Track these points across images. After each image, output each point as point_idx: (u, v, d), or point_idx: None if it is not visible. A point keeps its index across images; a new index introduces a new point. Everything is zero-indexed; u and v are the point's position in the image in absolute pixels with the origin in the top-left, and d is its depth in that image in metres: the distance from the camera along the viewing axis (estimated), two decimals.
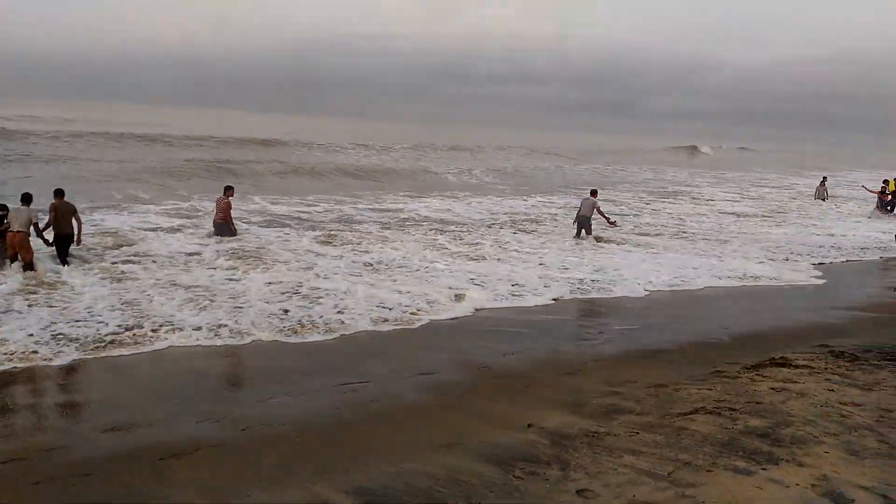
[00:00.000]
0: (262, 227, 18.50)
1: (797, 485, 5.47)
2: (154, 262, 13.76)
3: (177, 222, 18.37)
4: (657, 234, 21.54)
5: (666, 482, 5.50)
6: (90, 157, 34.41)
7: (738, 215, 27.96)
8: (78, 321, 9.80)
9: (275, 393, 7.73)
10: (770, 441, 6.26)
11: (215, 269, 13.46)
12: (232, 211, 17.02)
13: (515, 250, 17.35)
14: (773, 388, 7.70)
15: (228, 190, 17.08)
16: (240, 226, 17.51)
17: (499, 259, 16.12)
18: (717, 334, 10.70)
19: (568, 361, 9.23)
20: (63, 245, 13.20)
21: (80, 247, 13.57)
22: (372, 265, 14.63)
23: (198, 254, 14.65)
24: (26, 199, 12.76)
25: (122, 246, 14.97)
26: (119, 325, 9.74)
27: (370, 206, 24.30)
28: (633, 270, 15.41)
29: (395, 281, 13.28)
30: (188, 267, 13.48)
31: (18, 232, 12.32)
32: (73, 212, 13.40)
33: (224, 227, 16.61)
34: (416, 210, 24.07)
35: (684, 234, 21.96)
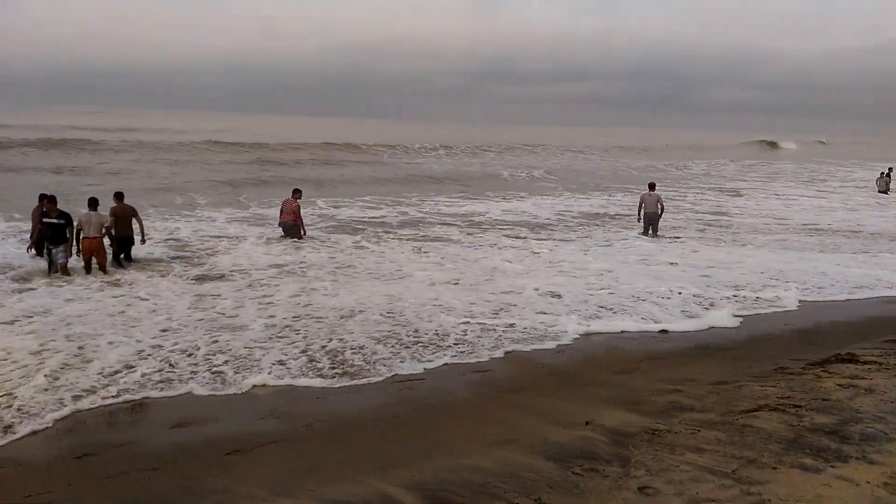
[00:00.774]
0: (335, 232, 18.46)
1: (868, 483, 5.28)
2: (243, 275, 13.21)
3: (249, 230, 18.24)
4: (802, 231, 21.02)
5: (730, 480, 5.38)
6: (145, 161, 35.55)
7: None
8: (166, 349, 8.92)
9: (333, 391, 7.84)
10: (838, 438, 6.07)
11: (309, 280, 12.87)
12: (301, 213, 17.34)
13: (642, 257, 16.32)
14: (839, 385, 7.46)
15: (297, 192, 17.39)
16: (317, 232, 17.92)
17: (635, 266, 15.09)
18: (778, 330, 10.43)
19: (623, 360, 9.12)
20: (124, 247, 13.66)
21: (144, 245, 14.03)
22: (486, 273, 13.90)
23: (285, 265, 14.11)
24: (93, 203, 13.20)
25: (200, 257, 14.71)
26: (202, 361, 8.57)
27: (437, 210, 24.10)
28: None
29: (529, 301, 11.85)
30: (281, 280, 12.85)
31: (94, 238, 12.82)
32: (133, 214, 13.84)
33: (295, 228, 16.97)
34: (486, 213, 23.70)
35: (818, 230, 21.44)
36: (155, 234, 16.74)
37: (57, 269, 12.63)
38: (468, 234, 19.06)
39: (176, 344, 9.18)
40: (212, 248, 15.75)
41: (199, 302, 11.24)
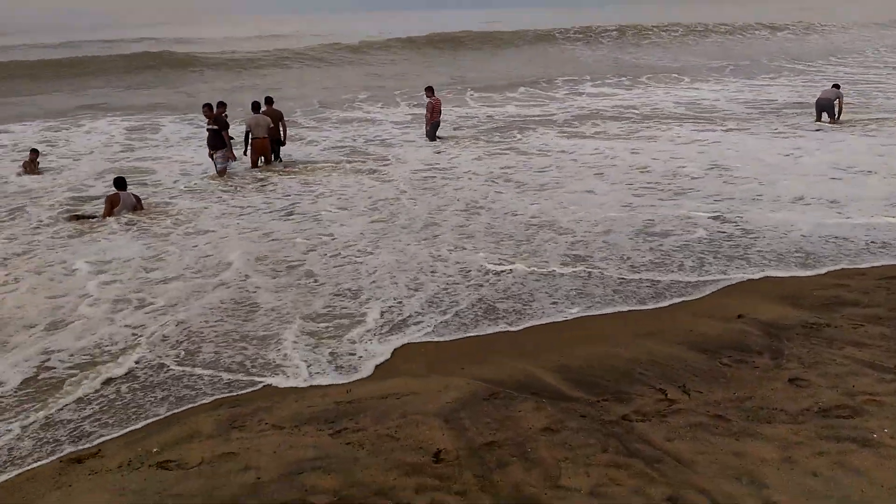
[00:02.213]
0: (502, 131, 17.76)
1: None
2: (425, 180, 12.86)
3: (416, 134, 17.70)
4: None
5: (892, 374, 5.18)
6: (296, 68, 36.49)
7: None
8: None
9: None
10: None
11: (524, 194, 11.76)
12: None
13: None
14: None
15: (431, 89, 17.00)
16: (485, 133, 17.67)
17: None
18: None
19: None
20: (274, 149, 14.57)
21: (284, 147, 14.82)
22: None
23: (475, 175, 13.10)
24: (256, 106, 14.17)
25: (378, 163, 14.47)
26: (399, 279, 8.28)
27: (601, 103, 22.81)
28: None
29: None
30: (484, 192, 11.97)
31: (264, 138, 13.88)
32: (280, 117, 14.71)
33: (437, 126, 16.96)
34: (655, 103, 22.14)
35: None
36: (325, 138, 17.64)
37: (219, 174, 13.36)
38: (647, 126, 17.89)
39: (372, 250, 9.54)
40: (383, 154, 15.63)
41: (381, 223, 10.51)
